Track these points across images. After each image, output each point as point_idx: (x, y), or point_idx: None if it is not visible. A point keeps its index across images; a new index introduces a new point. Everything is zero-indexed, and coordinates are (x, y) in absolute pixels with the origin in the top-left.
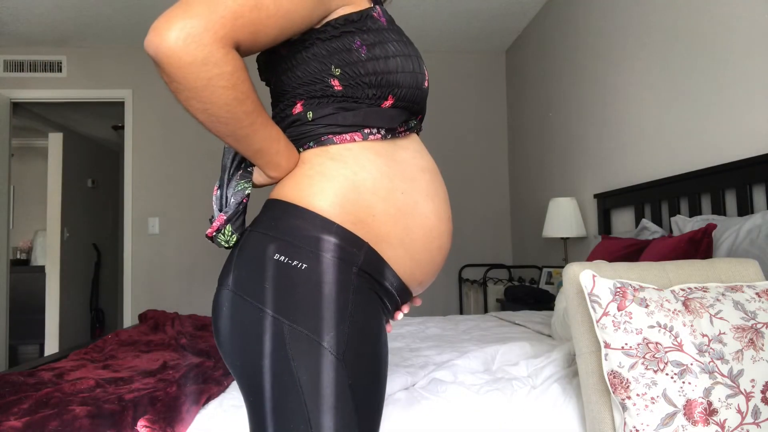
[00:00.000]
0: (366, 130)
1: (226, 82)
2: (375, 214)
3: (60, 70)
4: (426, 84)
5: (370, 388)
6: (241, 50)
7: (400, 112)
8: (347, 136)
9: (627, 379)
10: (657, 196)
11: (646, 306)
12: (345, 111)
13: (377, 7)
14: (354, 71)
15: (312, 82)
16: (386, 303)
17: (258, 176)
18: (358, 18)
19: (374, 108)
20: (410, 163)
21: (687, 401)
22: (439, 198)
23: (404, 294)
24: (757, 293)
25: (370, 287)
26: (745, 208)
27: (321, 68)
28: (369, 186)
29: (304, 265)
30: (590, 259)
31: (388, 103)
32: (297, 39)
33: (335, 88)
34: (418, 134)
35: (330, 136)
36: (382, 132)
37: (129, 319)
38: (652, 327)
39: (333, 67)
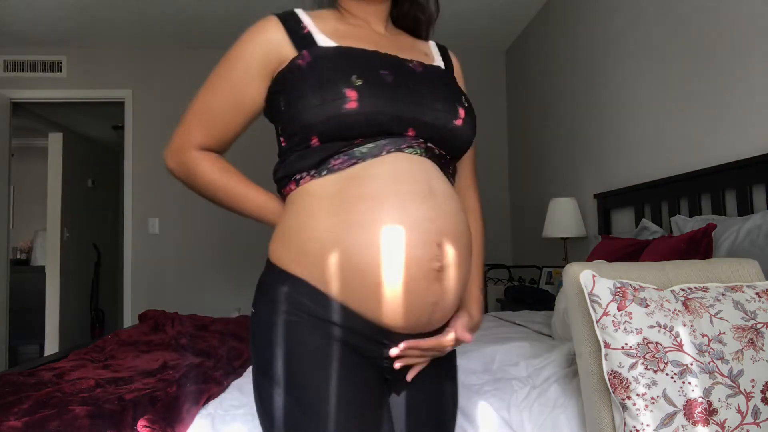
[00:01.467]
0: (297, 176)
1: (188, 184)
2: (307, 254)
3: (60, 70)
4: (349, 105)
5: (305, 417)
6: (212, 148)
7: (330, 146)
8: (287, 187)
9: (627, 379)
10: (657, 196)
11: (646, 306)
12: (282, 164)
13: (304, 51)
14: (283, 126)
15: (277, 144)
16: (339, 336)
17: None
18: (282, 77)
19: (300, 152)
20: (350, 194)
21: (687, 401)
22: (421, 224)
23: (381, 331)
24: (757, 293)
25: (310, 320)
26: (745, 208)
27: (276, 130)
28: (297, 228)
29: (252, 311)
30: (590, 259)
31: (314, 142)
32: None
33: (282, 144)
34: (442, 168)
35: (282, 189)
36: (312, 173)
37: (129, 319)
38: (652, 327)
39: (278, 127)
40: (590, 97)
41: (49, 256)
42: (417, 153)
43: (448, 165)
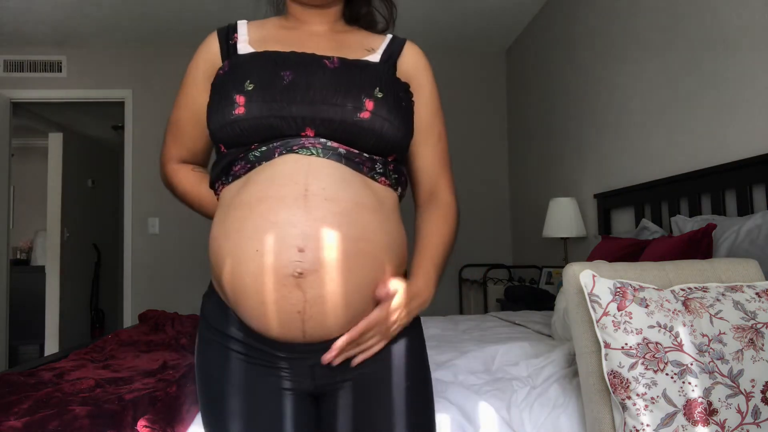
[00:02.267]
0: (215, 184)
1: (172, 194)
2: (211, 264)
3: (60, 70)
4: (237, 111)
5: (214, 422)
6: (188, 159)
7: (233, 152)
8: (215, 194)
9: (627, 379)
10: (657, 196)
11: (646, 306)
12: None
13: (226, 61)
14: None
15: None
16: (243, 351)
17: None
18: (212, 91)
19: (215, 160)
20: (238, 201)
21: (687, 401)
22: (282, 229)
23: (271, 343)
24: (757, 293)
25: (215, 337)
26: (745, 208)
27: None
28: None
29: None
30: (590, 259)
31: (222, 149)
32: None
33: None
34: (354, 167)
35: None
36: (222, 180)
37: (129, 319)
38: (652, 327)
39: None
40: (590, 96)
41: (49, 256)
42: (311, 153)
43: (366, 162)
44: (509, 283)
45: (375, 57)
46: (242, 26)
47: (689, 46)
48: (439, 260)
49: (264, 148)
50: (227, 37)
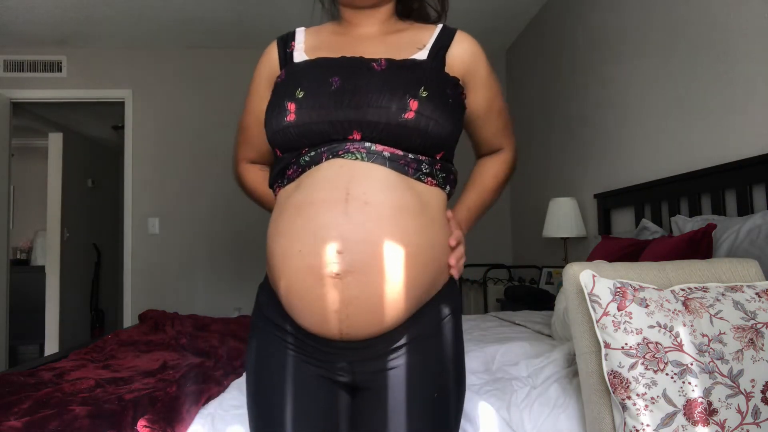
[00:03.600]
0: (273, 185)
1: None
2: (267, 258)
3: (60, 70)
4: (288, 118)
5: (261, 411)
6: (257, 160)
7: (287, 156)
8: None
9: (627, 379)
10: (657, 196)
11: (646, 306)
12: None
13: (283, 70)
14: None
15: None
16: (292, 342)
17: None
18: (270, 98)
19: (274, 163)
20: (289, 203)
21: (687, 401)
22: (322, 230)
23: (313, 337)
24: (757, 293)
25: (265, 325)
26: (745, 208)
27: None
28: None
29: None
30: (590, 259)
31: (278, 153)
32: None
33: None
34: (398, 168)
35: None
36: (279, 182)
37: (129, 319)
38: (652, 327)
39: None
40: (590, 96)
41: (49, 256)
42: (356, 158)
43: (411, 164)
44: (509, 283)
45: (423, 54)
46: (300, 33)
47: (689, 46)
48: (477, 210)
49: (313, 153)
50: (285, 45)
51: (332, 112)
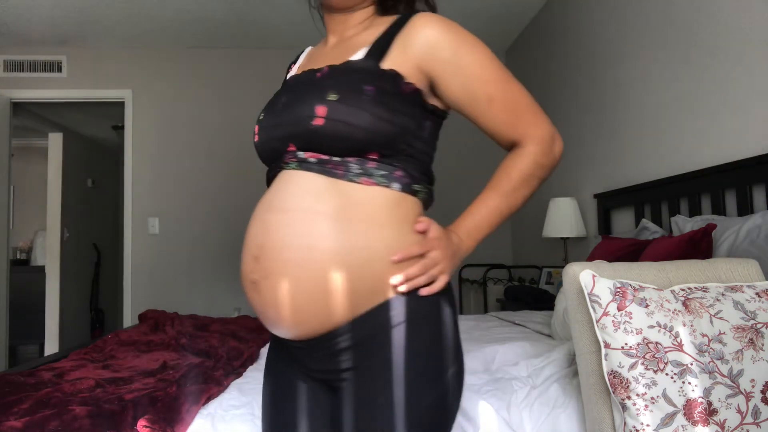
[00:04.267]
0: None
1: None
2: None
3: (60, 70)
4: (255, 139)
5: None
6: None
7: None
8: None
9: (627, 379)
10: (657, 196)
11: (646, 306)
12: None
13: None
14: None
15: None
16: (276, 342)
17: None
18: None
19: None
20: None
21: (687, 401)
22: (249, 240)
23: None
24: (757, 293)
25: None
26: (745, 208)
27: None
28: None
29: None
30: (590, 259)
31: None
32: None
33: None
34: (328, 173)
35: None
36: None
37: (129, 319)
38: (652, 327)
39: None
40: (590, 96)
41: (49, 256)
42: (291, 168)
43: (339, 166)
44: (509, 283)
45: (361, 53)
46: (305, 53)
47: (689, 46)
48: (490, 207)
49: (271, 169)
50: (289, 68)
51: (276, 129)
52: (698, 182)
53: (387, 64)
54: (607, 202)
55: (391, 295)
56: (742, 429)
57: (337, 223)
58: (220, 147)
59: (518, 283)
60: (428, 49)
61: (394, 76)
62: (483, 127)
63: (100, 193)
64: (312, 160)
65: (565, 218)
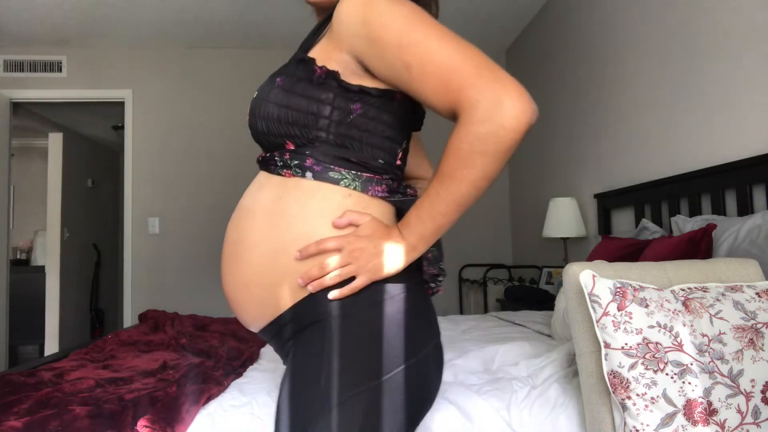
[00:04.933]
0: None
1: None
2: None
3: (60, 70)
4: (248, 119)
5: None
6: None
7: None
8: None
9: (627, 379)
10: (657, 196)
11: (646, 306)
12: None
13: None
14: None
15: None
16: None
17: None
18: None
19: None
20: None
21: (687, 401)
22: (228, 235)
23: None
24: (757, 293)
25: None
26: (745, 208)
27: None
28: None
29: None
30: (590, 259)
31: None
32: None
33: None
34: (267, 169)
35: None
36: None
37: (129, 319)
38: (652, 327)
39: None
40: (590, 96)
41: (49, 256)
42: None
43: (270, 161)
44: (509, 283)
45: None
46: None
47: (689, 46)
48: (431, 197)
49: (260, 161)
50: None
51: None
52: (698, 182)
53: (313, 52)
54: (607, 202)
55: (302, 294)
56: (742, 429)
57: (258, 217)
58: (220, 147)
59: (518, 283)
60: (344, 28)
61: (306, 61)
62: (419, 101)
63: (100, 193)
64: (261, 158)
65: (565, 218)
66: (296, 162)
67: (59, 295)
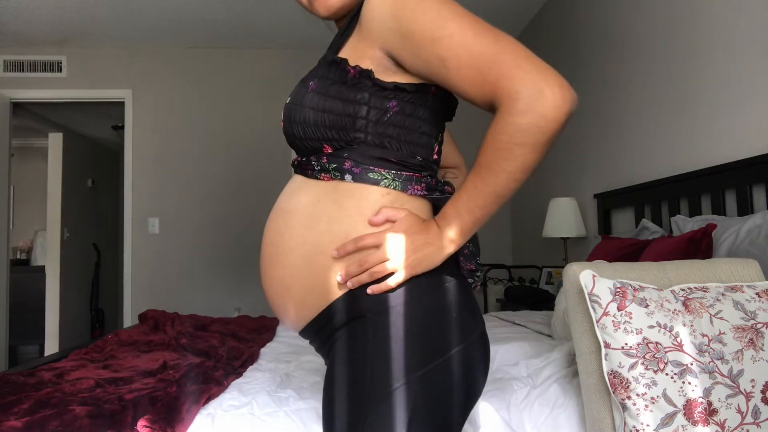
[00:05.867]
0: None
1: None
2: None
3: (60, 70)
4: (282, 125)
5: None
6: None
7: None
8: None
9: (627, 379)
10: (657, 196)
11: (646, 306)
12: None
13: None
14: None
15: None
16: None
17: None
18: None
19: None
20: None
21: (687, 401)
22: (265, 237)
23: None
24: (757, 293)
25: None
26: (745, 208)
27: None
28: None
29: None
30: (590, 259)
31: None
32: None
33: None
34: (304, 173)
35: None
36: None
37: (129, 319)
38: (652, 327)
39: None
40: (590, 96)
41: (49, 256)
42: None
43: (307, 166)
44: (509, 283)
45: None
46: None
47: (689, 47)
48: (469, 187)
49: (295, 164)
50: None
51: None
52: (698, 182)
53: (344, 52)
54: (607, 202)
55: (341, 291)
56: (742, 429)
57: (295, 218)
58: (220, 147)
59: (518, 283)
60: (375, 24)
61: (339, 63)
62: (456, 94)
63: (100, 193)
64: (296, 162)
65: (565, 218)
66: (334, 165)
67: (59, 295)
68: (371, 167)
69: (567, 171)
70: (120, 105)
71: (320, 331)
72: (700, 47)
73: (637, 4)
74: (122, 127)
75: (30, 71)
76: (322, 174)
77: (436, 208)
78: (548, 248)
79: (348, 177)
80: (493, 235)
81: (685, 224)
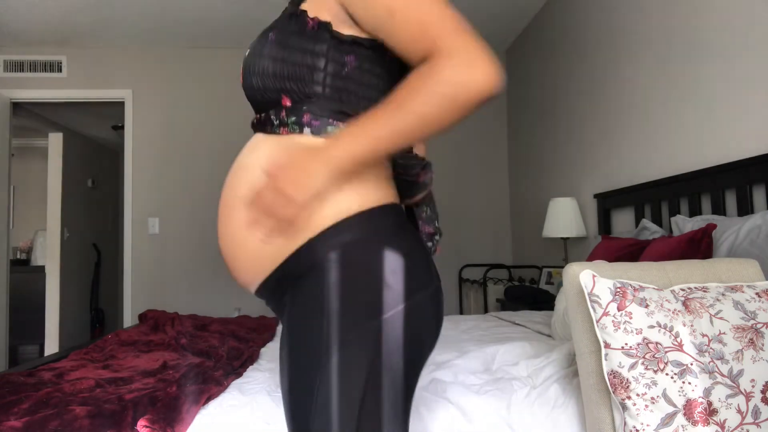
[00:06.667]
0: None
1: None
2: None
3: (60, 70)
4: (241, 80)
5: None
6: None
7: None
8: None
9: (627, 379)
10: (657, 196)
11: (646, 306)
12: None
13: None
14: None
15: None
16: None
17: None
18: None
19: None
20: None
21: (687, 401)
22: (222, 196)
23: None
24: (757, 293)
25: None
26: (745, 208)
27: None
28: None
29: None
30: (590, 259)
31: None
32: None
33: None
34: (263, 130)
35: None
36: None
37: (129, 319)
38: (652, 327)
39: None
40: (590, 96)
41: (49, 256)
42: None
43: (266, 122)
44: (509, 283)
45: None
46: None
47: (689, 46)
48: (377, 118)
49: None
50: None
51: None
52: (698, 182)
53: (305, 5)
54: (607, 202)
55: (293, 246)
56: (742, 429)
57: (250, 172)
58: (220, 146)
59: (518, 283)
60: None
61: (299, 15)
62: (394, 48)
63: (100, 193)
64: (255, 121)
65: (565, 218)
66: (293, 119)
67: (59, 295)
68: (330, 120)
69: (567, 171)
70: (120, 105)
71: (275, 288)
72: (700, 47)
73: (636, 4)
74: (122, 127)
75: (30, 71)
76: (282, 128)
77: (396, 172)
78: (548, 248)
79: (307, 130)
80: (493, 235)
81: (685, 224)
